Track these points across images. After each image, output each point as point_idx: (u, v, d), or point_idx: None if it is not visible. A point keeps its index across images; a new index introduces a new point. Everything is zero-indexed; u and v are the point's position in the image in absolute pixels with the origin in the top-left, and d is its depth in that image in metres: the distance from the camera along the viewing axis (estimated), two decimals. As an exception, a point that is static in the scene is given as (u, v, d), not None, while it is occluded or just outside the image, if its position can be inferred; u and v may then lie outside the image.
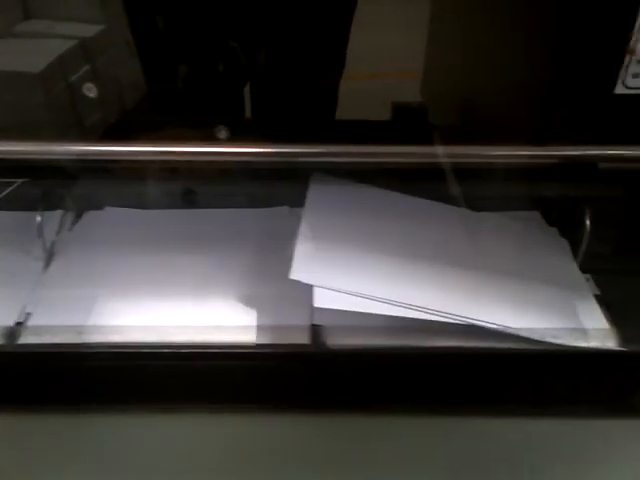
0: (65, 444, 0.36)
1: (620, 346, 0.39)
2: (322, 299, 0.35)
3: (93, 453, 0.36)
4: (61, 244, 0.45)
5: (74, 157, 0.42)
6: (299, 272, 0.36)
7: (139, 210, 0.48)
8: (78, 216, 0.48)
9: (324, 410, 0.37)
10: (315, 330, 0.37)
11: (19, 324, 0.38)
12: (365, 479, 0.35)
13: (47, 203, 0.45)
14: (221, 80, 0.59)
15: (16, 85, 0.59)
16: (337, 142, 0.39)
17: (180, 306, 0.39)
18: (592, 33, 0.35)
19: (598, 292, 0.41)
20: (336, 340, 0.36)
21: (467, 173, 0.48)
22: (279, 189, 0.48)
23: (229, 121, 0.43)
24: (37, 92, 0.64)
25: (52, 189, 0.47)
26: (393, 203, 0.47)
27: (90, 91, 0.44)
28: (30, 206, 0.44)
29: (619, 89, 0.33)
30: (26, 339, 0.37)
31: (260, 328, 0.38)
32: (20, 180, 0.48)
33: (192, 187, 0.48)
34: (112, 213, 0.49)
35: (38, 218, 0.42)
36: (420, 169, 0.43)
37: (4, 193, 0.48)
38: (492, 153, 0.41)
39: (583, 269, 0.43)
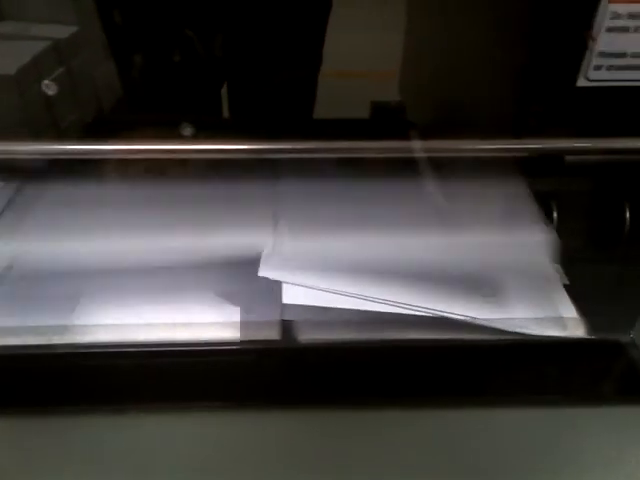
0: (60, 445, 0.36)
1: (589, 335, 0.40)
2: (290, 295, 0.35)
3: (78, 454, 0.35)
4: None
5: (45, 157, 0.41)
6: (267, 269, 0.36)
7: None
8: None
9: (295, 406, 0.37)
10: (285, 326, 0.37)
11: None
12: (340, 473, 0.35)
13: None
14: (179, 71, 0.58)
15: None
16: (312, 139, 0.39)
17: (149, 302, 0.39)
18: (559, 26, 0.36)
19: (567, 282, 0.42)
20: (307, 335, 0.36)
21: (439, 168, 0.48)
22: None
23: (196, 119, 0.43)
24: (12, 93, 0.63)
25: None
26: (361, 195, 0.47)
27: (49, 89, 0.44)
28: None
29: (581, 82, 0.34)
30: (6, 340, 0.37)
31: (230, 325, 0.38)
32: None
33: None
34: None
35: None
36: (393, 164, 0.44)
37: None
38: (461, 147, 0.42)
39: (553, 259, 0.43)
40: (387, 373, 0.39)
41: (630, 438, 0.37)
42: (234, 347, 0.38)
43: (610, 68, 0.33)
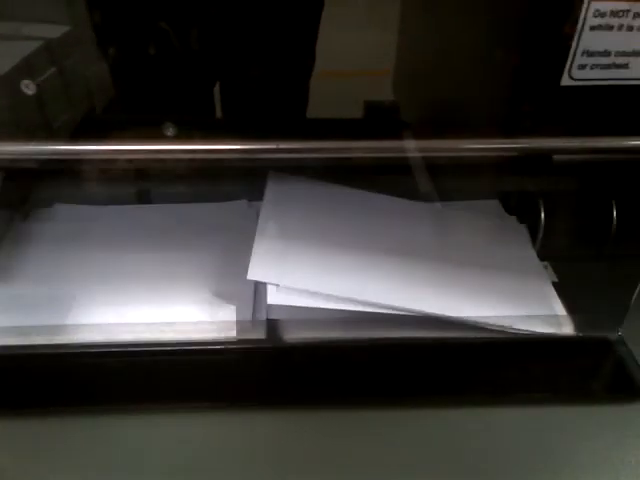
0: (47, 445, 0.36)
1: (578, 332, 0.40)
2: (275, 296, 0.35)
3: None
4: (10, 244, 0.44)
5: (37, 157, 0.41)
6: (256, 272, 0.36)
7: (90, 206, 0.48)
8: (25, 215, 0.47)
9: (284, 406, 0.37)
10: (272, 325, 0.37)
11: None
12: (329, 474, 0.35)
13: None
14: (168, 69, 0.58)
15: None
16: (301, 139, 0.39)
17: (136, 303, 0.39)
18: (548, 26, 0.36)
19: (556, 279, 0.42)
20: (294, 334, 0.36)
21: (429, 165, 0.48)
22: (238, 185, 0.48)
23: (183, 118, 0.43)
24: (3, 94, 0.63)
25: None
26: (350, 199, 0.47)
27: (28, 88, 0.44)
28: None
29: (565, 81, 0.34)
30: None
31: (218, 325, 0.38)
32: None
33: (147, 185, 0.47)
34: (62, 210, 0.47)
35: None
36: (382, 164, 0.44)
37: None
38: (450, 147, 0.42)
39: (542, 257, 0.44)
40: (375, 372, 0.39)
41: (618, 437, 0.37)
42: (221, 347, 0.38)
43: (594, 67, 0.33)
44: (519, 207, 0.47)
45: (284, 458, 0.35)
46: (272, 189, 0.45)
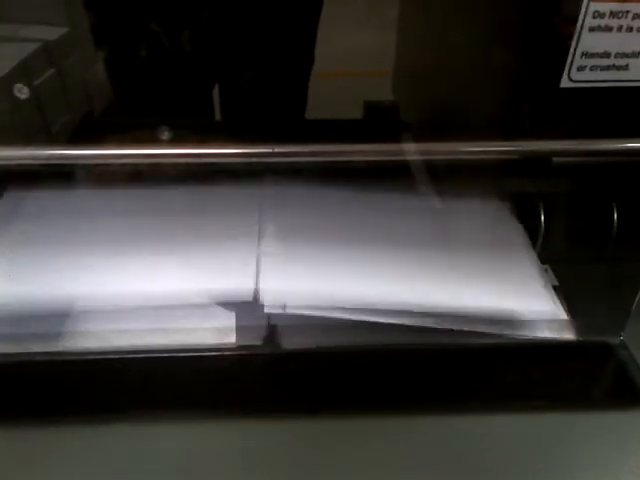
0: (41, 454, 0.36)
1: (579, 337, 0.40)
2: (272, 304, 0.35)
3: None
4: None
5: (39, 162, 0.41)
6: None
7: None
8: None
9: (282, 414, 0.37)
10: (270, 331, 0.36)
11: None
12: None
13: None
14: (164, 71, 0.58)
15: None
16: (306, 141, 0.39)
17: (135, 308, 0.39)
18: (548, 27, 0.36)
19: (557, 283, 0.42)
20: (292, 340, 0.36)
21: (429, 167, 0.48)
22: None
23: (181, 121, 0.43)
24: (2, 96, 0.63)
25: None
26: (349, 202, 0.47)
27: (21, 92, 0.44)
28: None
29: (564, 83, 0.33)
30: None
31: (213, 330, 0.38)
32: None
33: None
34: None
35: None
36: (382, 167, 0.43)
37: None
38: (449, 149, 0.42)
39: (542, 260, 0.43)
40: (375, 378, 0.38)
41: (620, 443, 0.36)
42: (220, 353, 0.38)
43: (594, 68, 0.33)
44: (519, 210, 0.46)
45: (285, 466, 0.35)
46: (270, 192, 0.44)
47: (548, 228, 0.41)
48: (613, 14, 0.30)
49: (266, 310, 0.36)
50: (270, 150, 0.35)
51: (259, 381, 0.38)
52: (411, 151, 0.42)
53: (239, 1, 0.56)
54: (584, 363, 0.40)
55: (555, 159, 0.39)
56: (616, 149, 0.35)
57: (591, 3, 0.30)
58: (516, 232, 0.45)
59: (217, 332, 0.39)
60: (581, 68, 0.33)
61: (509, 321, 0.39)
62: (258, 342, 0.38)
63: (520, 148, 0.40)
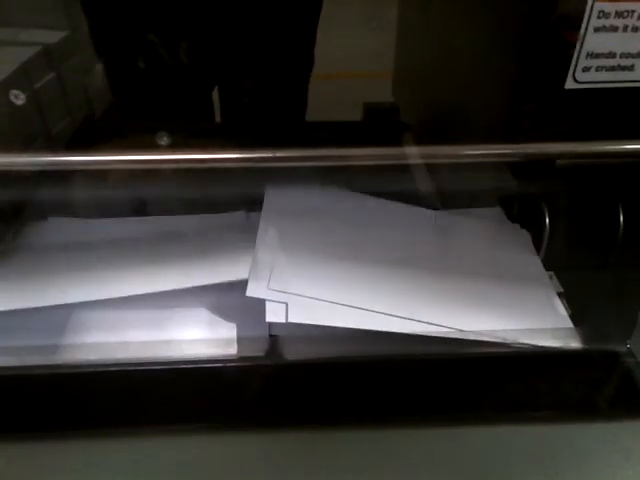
0: (32, 470, 0.35)
1: (585, 345, 0.39)
2: (274, 313, 0.34)
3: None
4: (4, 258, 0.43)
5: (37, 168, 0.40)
6: (256, 289, 0.35)
7: (84, 220, 0.47)
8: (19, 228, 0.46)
9: (283, 427, 0.36)
10: (272, 342, 0.36)
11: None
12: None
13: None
14: (164, 75, 0.57)
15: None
16: (306, 144, 0.38)
17: (136, 319, 0.38)
18: (548, 27, 0.35)
19: (562, 290, 0.41)
20: (294, 351, 0.35)
21: (430, 170, 0.47)
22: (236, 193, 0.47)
23: (180, 126, 0.42)
24: (2, 100, 0.63)
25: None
26: (350, 206, 0.46)
27: (17, 98, 0.43)
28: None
29: (569, 84, 0.33)
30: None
31: (217, 341, 0.37)
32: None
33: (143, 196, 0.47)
34: (56, 223, 0.47)
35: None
36: (383, 168, 0.43)
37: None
38: (452, 153, 0.41)
39: (547, 266, 0.42)
40: (378, 389, 0.37)
41: (627, 453, 0.35)
42: (221, 364, 0.37)
43: (599, 69, 0.32)
44: (522, 214, 0.45)
45: (287, 479, 0.34)
46: (270, 198, 0.44)
47: (553, 233, 0.40)
48: (618, 14, 0.30)
49: (268, 320, 0.35)
50: (271, 155, 0.34)
51: (261, 392, 0.37)
52: (412, 154, 0.42)
53: (236, 10, 0.56)
54: (590, 371, 0.39)
55: (558, 161, 0.38)
56: (621, 151, 0.34)
57: (596, 3, 0.29)
58: (518, 237, 0.44)
59: (218, 343, 0.38)
60: (586, 69, 0.32)
61: (513, 330, 0.38)
62: (260, 353, 0.37)
63: (522, 151, 0.39)
